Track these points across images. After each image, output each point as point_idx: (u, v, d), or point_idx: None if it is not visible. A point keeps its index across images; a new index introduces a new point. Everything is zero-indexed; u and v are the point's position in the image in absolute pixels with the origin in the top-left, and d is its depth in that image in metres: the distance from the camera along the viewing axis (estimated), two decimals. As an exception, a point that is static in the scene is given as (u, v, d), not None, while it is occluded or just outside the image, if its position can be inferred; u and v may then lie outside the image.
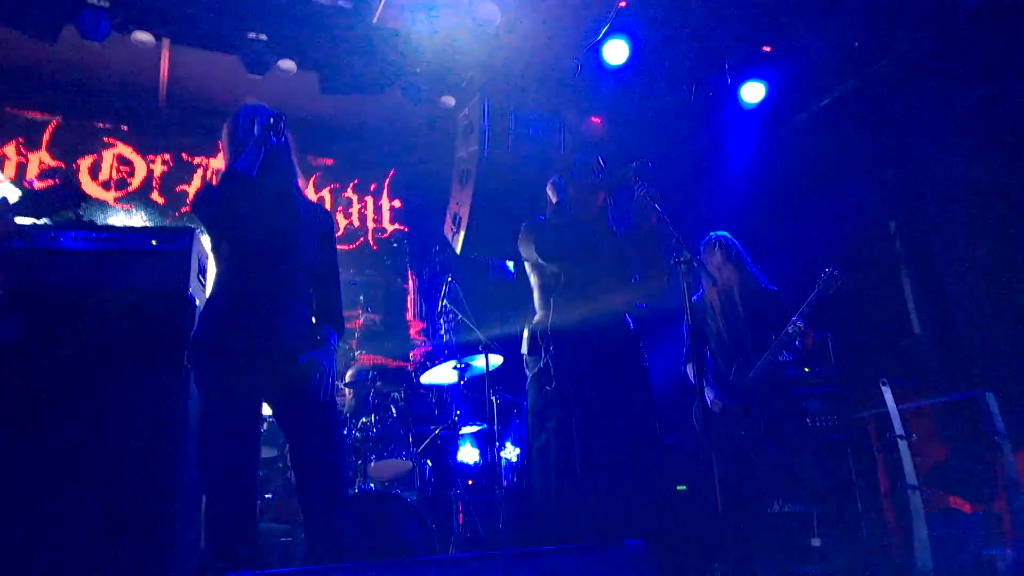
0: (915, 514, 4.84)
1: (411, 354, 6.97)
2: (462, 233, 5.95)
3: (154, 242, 3.51)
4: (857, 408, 5.62)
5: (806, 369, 5.47)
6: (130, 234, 3.56)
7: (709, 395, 3.91)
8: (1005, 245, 6.24)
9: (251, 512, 2.78)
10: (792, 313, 3.95)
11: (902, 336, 6.68)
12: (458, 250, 6.10)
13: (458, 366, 4.88)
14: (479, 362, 4.77)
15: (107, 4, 4.99)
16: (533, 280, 3.51)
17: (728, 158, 6.69)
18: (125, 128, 6.77)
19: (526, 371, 3.40)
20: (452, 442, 4.98)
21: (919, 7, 5.49)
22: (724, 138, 6.63)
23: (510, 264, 6.21)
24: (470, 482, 5.36)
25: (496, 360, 4.86)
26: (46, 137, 6.45)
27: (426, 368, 5.33)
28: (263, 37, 5.36)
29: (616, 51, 5.67)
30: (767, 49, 6.01)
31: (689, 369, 3.94)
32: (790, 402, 4.03)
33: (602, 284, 3.34)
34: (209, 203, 2.92)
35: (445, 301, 4.94)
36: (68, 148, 6.51)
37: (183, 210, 6.64)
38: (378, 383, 4.88)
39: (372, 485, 4.45)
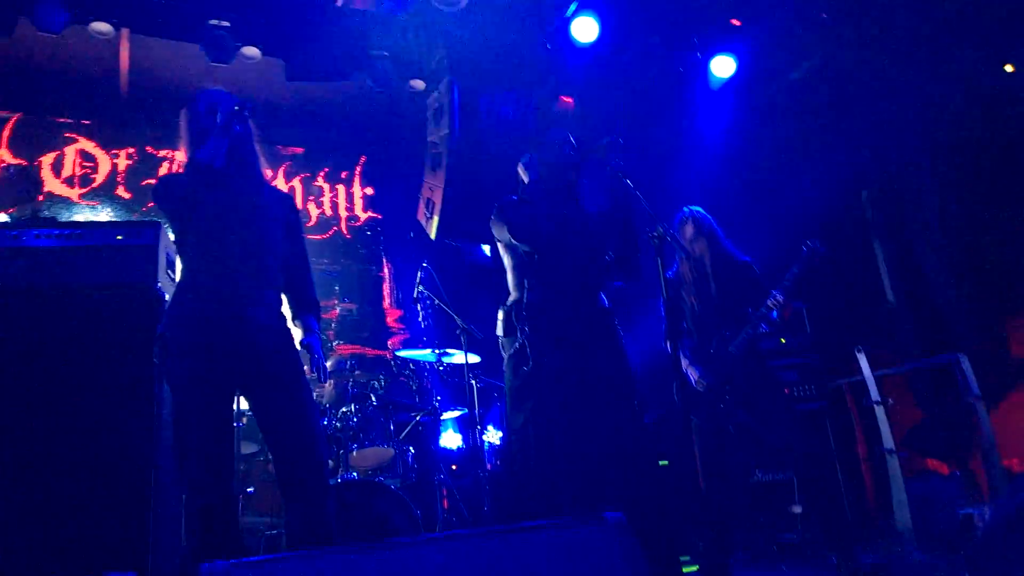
0: (893, 477, 4.92)
1: (389, 342, 6.93)
2: (436, 218, 5.92)
3: (120, 237, 3.47)
4: (834, 376, 5.69)
5: (782, 340, 5.51)
6: (95, 230, 3.51)
7: (694, 374, 3.92)
8: (975, 212, 6.33)
9: (231, 504, 2.75)
10: (767, 283, 3.96)
11: (876, 304, 6.76)
12: (432, 235, 6.07)
13: (437, 352, 4.86)
14: (458, 358, 4.76)
15: (62, -6, 4.88)
16: (507, 261, 3.49)
17: (701, 133, 6.70)
18: (87, 123, 6.61)
19: (502, 353, 3.38)
20: (434, 428, 4.97)
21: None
22: (696, 113, 6.63)
23: (486, 248, 6.18)
24: (454, 467, 5.36)
25: (475, 360, 4.86)
26: (6, 134, 6.29)
27: (404, 358, 5.33)
28: (225, 24, 5.27)
29: (585, 28, 5.63)
30: (736, 23, 6.01)
31: (670, 345, 3.95)
32: (767, 373, 4.05)
33: (576, 263, 3.32)
34: (172, 195, 2.86)
35: (421, 287, 4.91)
36: (29, 145, 6.34)
37: (150, 204, 6.52)
38: (357, 372, 4.86)
39: (355, 474, 4.43)
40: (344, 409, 4.61)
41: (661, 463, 4.85)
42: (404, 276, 7.07)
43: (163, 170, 6.70)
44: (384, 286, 7.26)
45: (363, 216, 7.47)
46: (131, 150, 6.71)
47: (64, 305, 3.24)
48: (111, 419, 3.09)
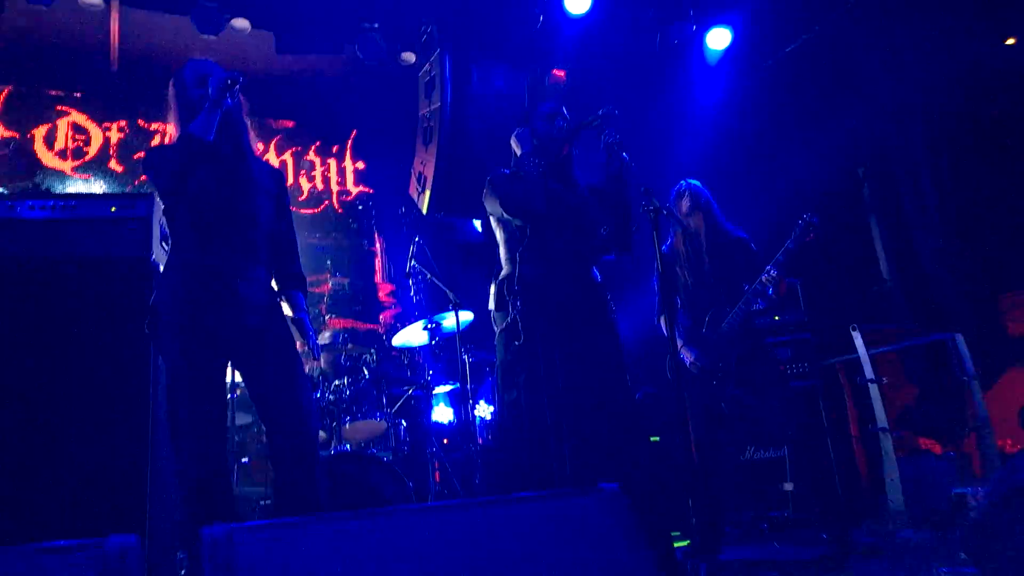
0: (886, 456, 4.93)
1: (381, 316, 6.92)
2: (428, 192, 5.88)
3: (113, 208, 3.43)
4: (828, 354, 5.69)
5: (776, 317, 5.50)
6: (89, 201, 3.47)
7: (688, 356, 3.91)
8: (972, 189, 6.30)
9: (225, 473, 2.79)
10: (762, 260, 3.93)
11: (871, 281, 6.76)
12: (424, 210, 6.03)
13: (429, 326, 4.85)
14: (449, 321, 4.74)
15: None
16: (499, 235, 3.46)
17: (696, 106, 6.64)
18: (78, 95, 6.55)
19: (494, 327, 3.37)
20: (426, 402, 4.98)
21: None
22: (692, 86, 6.56)
23: (477, 223, 6.14)
24: (445, 441, 5.38)
25: (467, 316, 4.84)
26: (-3, 106, 6.25)
27: (397, 330, 5.31)
28: (214, -6, 5.21)
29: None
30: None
31: (663, 322, 3.93)
32: (761, 350, 4.04)
33: (568, 236, 3.29)
34: (164, 167, 2.83)
35: (413, 261, 4.89)
36: (21, 118, 6.31)
37: (143, 178, 6.47)
38: (349, 346, 4.87)
39: (347, 446, 4.45)
40: (337, 382, 4.63)
41: (652, 439, 4.86)
42: (396, 250, 7.05)
43: (155, 143, 6.65)
44: (376, 260, 7.24)
45: (354, 190, 7.43)
46: (123, 123, 6.66)
47: (57, 277, 3.22)
48: (104, 392, 3.09)
